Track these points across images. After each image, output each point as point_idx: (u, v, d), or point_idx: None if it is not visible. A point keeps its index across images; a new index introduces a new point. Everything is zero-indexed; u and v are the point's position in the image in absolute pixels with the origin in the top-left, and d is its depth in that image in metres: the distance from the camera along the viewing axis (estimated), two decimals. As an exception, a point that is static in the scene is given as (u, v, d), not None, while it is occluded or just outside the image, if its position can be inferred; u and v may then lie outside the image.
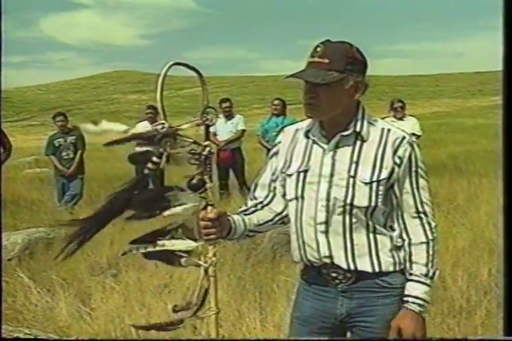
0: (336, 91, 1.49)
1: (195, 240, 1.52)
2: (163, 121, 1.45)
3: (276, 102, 7.04)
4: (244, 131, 7.23)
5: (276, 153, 1.65)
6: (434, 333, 2.82)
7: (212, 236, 1.49)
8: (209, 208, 1.49)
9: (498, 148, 1.65)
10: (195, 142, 1.48)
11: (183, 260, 1.54)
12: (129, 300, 3.26)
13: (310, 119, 1.60)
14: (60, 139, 6.71)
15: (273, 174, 1.65)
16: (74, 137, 6.73)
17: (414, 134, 6.29)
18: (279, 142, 1.65)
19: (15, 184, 8.20)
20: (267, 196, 1.66)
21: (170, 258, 1.57)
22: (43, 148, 7.02)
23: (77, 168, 6.69)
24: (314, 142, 1.57)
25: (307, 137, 1.59)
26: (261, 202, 1.66)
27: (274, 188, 1.65)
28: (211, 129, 5.83)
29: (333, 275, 1.56)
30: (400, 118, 6.35)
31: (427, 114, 31.66)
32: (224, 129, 7.08)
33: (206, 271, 1.52)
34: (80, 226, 1.53)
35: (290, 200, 1.59)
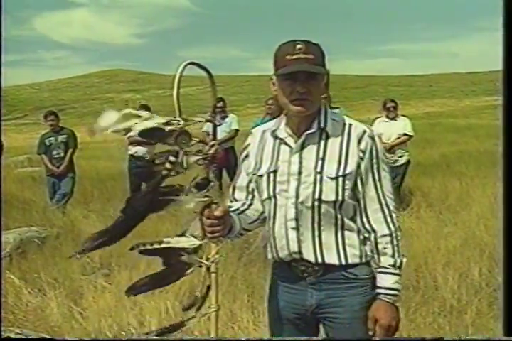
0: (320, 85, 1.55)
1: (199, 238, 1.52)
2: (178, 118, 1.44)
3: (270, 102, 7.02)
4: (237, 130, 7.22)
5: (247, 156, 1.69)
6: (425, 332, 2.84)
7: (217, 234, 1.50)
8: (213, 206, 1.50)
9: (498, 148, 1.66)
10: (201, 141, 1.48)
11: (184, 257, 1.54)
12: (120, 299, 3.25)
13: (276, 119, 1.66)
14: (51, 138, 6.68)
15: (248, 175, 1.69)
16: (65, 136, 6.70)
17: (406, 134, 6.32)
18: (248, 144, 1.69)
19: (7, 183, 8.15)
20: (247, 197, 1.70)
21: (169, 255, 1.55)
22: (36, 147, 6.99)
23: (68, 167, 6.66)
24: (282, 141, 1.62)
25: (275, 137, 1.63)
26: (245, 203, 1.69)
27: (253, 189, 1.69)
28: (205, 129, 5.84)
29: (302, 268, 1.61)
30: (393, 118, 6.36)
31: (421, 114, 31.73)
32: (217, 129, 7.08)
33: (209, 268, 1.52)
34: (104, 236, 1.46)
35: (264, 200, 1.64)
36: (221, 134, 7.14)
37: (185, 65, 1.45)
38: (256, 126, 7.69)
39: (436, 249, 4.01)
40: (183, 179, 1.50)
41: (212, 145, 1.49)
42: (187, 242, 1.52)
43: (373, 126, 6.47)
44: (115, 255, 4.08)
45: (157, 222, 4.55)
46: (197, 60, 1.51)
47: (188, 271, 1.54)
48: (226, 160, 7.12)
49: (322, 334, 1.72)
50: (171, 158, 1.44)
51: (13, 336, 2.67)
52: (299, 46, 1.51)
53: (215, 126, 1.53)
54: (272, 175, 1.60)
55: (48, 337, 2.87)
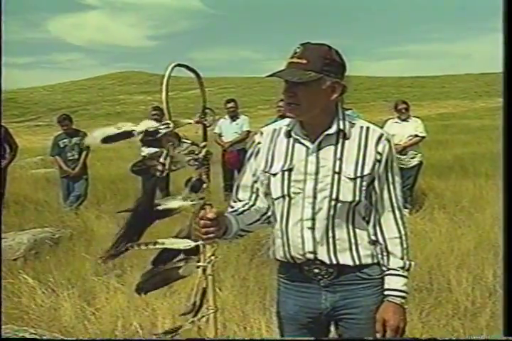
0: (313, 91, 1.54)
1: (194, 240, 1.53)
2: (168, 121, 1.45)
3: (281, 103, 7.03)
4: (249, 132, 7.22)
5: (255, 154, 1.67)
6: (440, 335, 2.81)
7: (211, 236, 1.50)
8: (207, 208, 1.50)
9: (501, 149, 1.67)
10: (193, 143, 1.50)
11: (181, 270, 1.55)
12: (133, 300, 3.26)
13: (289, 119, 1.64)
14: (65, 140, 6.73)
15: (253, 175, 1.67)
16: (79, 138, 6.74)
17: (417, 136, 6.28)
18: (259, 143, 1.67)
19: (21, 184, 8.23)
20: (250, 197, 1.69)
21: (167, 277, 1.59)
22: (49, 149, 7.04)
23: (82, 169, 6.71)
24: (297, 141, 1.61)
25: (288, 136, 1.63)
26: (247, 203, 1.68)
27: (257, 189, 1.67)
28: (216, 130, 5.91)
29: (316, 271, 1.61)
30: (404, 120, 6.33)
31: (433, 115, 31.53)
32: (229, 130, 7.09)
33: (205, 270, 1.52)
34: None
35: (276, 199, 1.62)
36: (233, 136, 7.15)
37: (173, 67, 1.45)
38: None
39: (450, 251, 3.97)
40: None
41: (203, 147, 1.49)
42: (182, 243, 1.53)
43: (385, 128, 6.45)
44: (127, 255, 4.09)
45: (168, 223, 4.57)
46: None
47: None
48: (238, 162, 7.12)
49: (334, 335, 1.72)
50: (161, 160, 1.47)
51: (27, 336, 2.69)
52: (297, 50, 1.54)
53: (204, 128, 1.53)
54: (286, 173, 1.59)
55: (61, 337, 2.89)
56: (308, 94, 1.53)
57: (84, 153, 6.72)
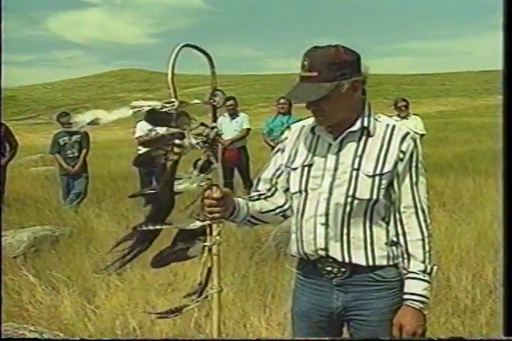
0: (334, 98, 1.51)
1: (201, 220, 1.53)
2: (173, 99, 1.43)
3: (281, 101, 7.02)
4: (249, 129, 7.22)
5: (281, 150, 1.68)
6: (439, 333, 2.82)
7: (216, 215, 1.50)
8: (214, 188, 1.50)
9: (501, 147, 1.67)
10: (202, 124, 1.47)
11: (189, 251, 1.55)
12: (133, 298, 3.27)
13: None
14: (64, 138, 6.72)
15: (277, 170, 1.67)
16: (79, 136, 6.74)
17: (417, 133, 6.27)
18: (286, 138, 1.68)
19: (21, 182, 8.23)
20: (269, 189, 1.69)
21: (178, 258, 1.58)
22: (49, 147, 7.04)
23: (82, 167, 6.71)
24: (320, 137, 1.60)
25: (313, 133, 1.62)
26: (264, 194, 1.68)
27: (276, 183, 1.68)
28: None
29: (328, 269, 1.58)
30: (404, 117, 6.34)
31: (433, 112, 31.53)
32: (229, 128, 7.08)
33: (210, 249, 1.52)
34: (135, 236, 1.54)
35: (294, 194, 1.61)
36: (232, 133, 7.14)
37: (181, 47, 1.43)
38: (267, 125, 7.69)
39: (450, 249, 3.98)
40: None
41: (213, 128, 1.48)
42: (188, 223, 1.52)
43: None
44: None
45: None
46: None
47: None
48: (238, 159, 7.12)
49: (346, 335, 1.69)
50: (177, 141, 1.44)
51: (27, 333, 2.70)
52: (305, 63, 1.51)
53: (214, 109, 1.50)
54: (306, 168, 1.58)
55: (61, 334, 2.90)
56: (331, 102, 1.51)
57: (84, 150, 6.73)
